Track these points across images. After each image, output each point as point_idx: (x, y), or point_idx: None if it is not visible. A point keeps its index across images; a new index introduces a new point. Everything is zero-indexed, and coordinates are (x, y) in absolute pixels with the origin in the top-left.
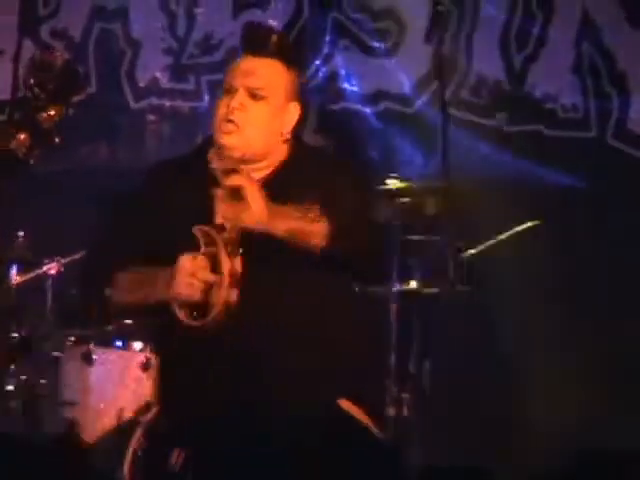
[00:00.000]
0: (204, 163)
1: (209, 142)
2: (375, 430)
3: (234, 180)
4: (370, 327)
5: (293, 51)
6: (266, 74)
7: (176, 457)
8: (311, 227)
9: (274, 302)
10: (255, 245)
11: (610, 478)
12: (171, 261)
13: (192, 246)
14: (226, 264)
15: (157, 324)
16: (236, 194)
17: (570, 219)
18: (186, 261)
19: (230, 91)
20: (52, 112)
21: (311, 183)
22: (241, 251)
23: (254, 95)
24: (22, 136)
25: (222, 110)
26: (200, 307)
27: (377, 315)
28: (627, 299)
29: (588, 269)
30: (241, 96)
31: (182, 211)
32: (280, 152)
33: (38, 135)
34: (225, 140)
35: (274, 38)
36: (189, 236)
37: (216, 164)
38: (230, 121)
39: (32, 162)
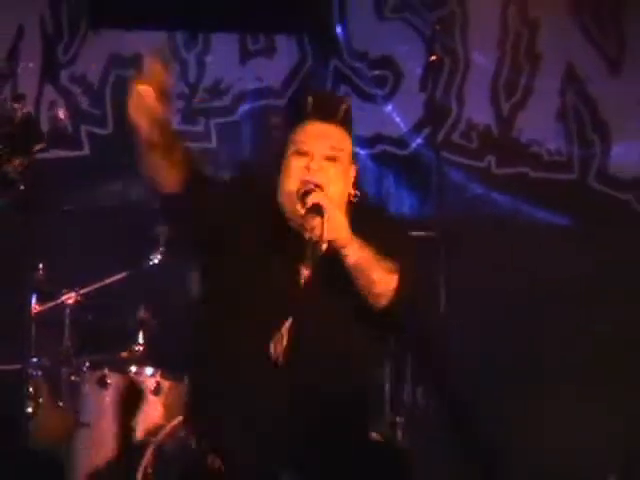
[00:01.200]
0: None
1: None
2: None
3: (314, 198)
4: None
5: (352, 120)
6: (338, 140)
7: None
8: (383, 272)
9: (325, 334)
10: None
11: None
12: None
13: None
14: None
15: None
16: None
17: (553, 254)
18: None
19: (306, 154)
20: (16, 162)
21: (377, 242)
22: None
23: (330, 158)
24: None
25: (299, 171)
26: None
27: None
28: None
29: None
30: (319, 160)
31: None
32: (347, 211)
33: (4, 184)
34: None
35: (344, 107)
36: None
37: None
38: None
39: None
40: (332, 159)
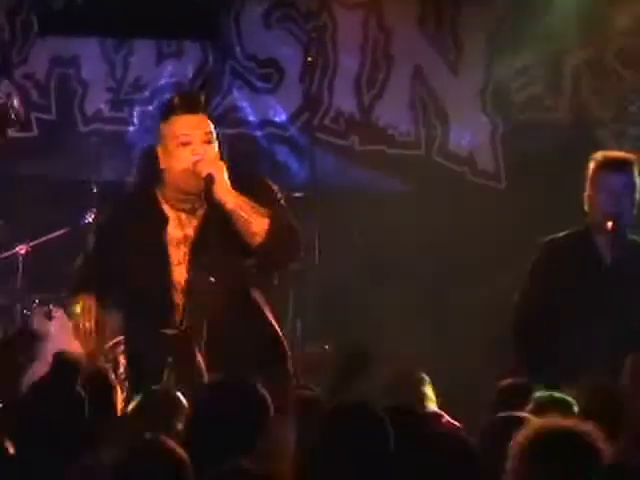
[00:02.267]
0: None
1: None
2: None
3: (205, 169)
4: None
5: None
6: (207, 125)
7: None
8: (255, 216)
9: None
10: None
11: None
12: None
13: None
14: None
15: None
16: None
17: (402, 215)
18: None
19: (189, 143)
20: None
21: (254, 196)
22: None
23: (206, 141)
24: None
25: (188, 154)
26: None
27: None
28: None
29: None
30: (199, 144)
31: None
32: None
33: None
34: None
35: (203, 99)
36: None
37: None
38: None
39: None
40: (208, 142)
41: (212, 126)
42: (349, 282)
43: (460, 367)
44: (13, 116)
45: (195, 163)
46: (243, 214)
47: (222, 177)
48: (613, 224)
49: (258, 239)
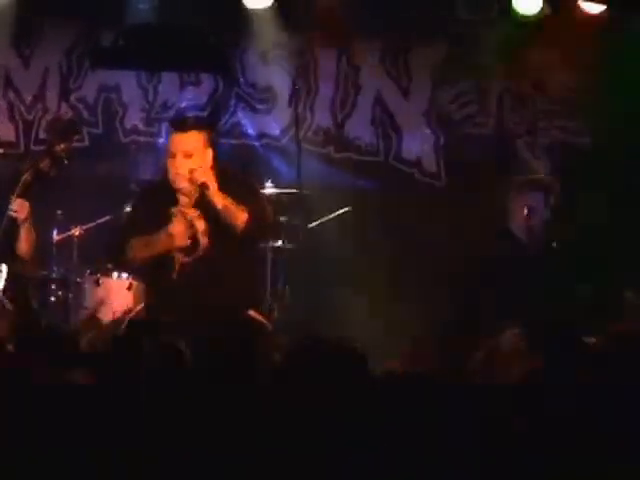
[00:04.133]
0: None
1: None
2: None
3: (200, 178)
4: (256, 271)
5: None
6: (192, 141)
7: None
8: (237, 212)
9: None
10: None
11: None
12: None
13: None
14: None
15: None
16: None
17: (365, 209)
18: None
19: (173, 156)
20: (62, 146)
21: (231, 192)
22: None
23: (188, 154)
24: (46, 160)
25: (171, 168)
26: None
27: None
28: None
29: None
30: (181, 156)
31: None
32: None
33: (55, 159)
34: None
35: (189, 120)
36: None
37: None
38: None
39: (52, 174)
40: (188, 156)
41: (200, 138)
42: (333, 254)
43: None
44: (77, 128)
45: (192, 171)
46: (228, 211)
47: (213, 183)
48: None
49: (240, 227)
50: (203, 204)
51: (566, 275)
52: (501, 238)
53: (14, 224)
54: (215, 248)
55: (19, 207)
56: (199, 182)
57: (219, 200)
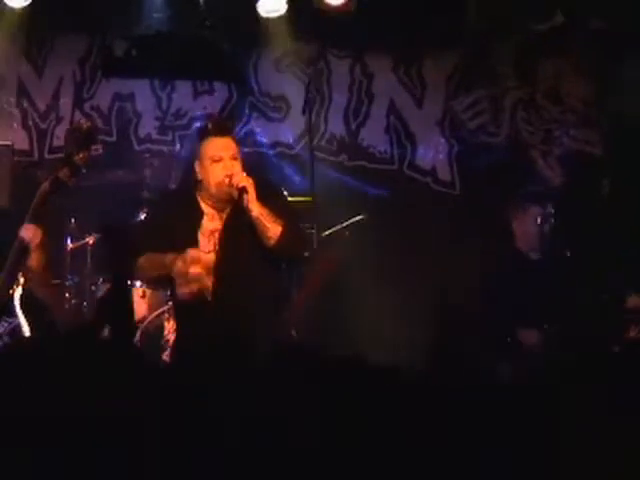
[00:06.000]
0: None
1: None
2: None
3: (240, 182)
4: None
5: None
6: (234, 147)
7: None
8: (271, 224)
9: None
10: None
11: None
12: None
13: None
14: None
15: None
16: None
17: (381, 214)
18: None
19: (221, 159)
20: (81, 155)
21: (272, 206)
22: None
23: (234, 157)
24: (65, 169)
25: (221, 170)
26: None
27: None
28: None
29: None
30: (229, 160)
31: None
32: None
33: (74, 168)
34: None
35: (229, 125)
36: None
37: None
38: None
39: (70, 184)
40: (235, 159)
41: (236, 146)
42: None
43: None
44: (96, 137)
45: (230, 176)
46: (263, 221)
47: (252, 190)
48: None
49: (272, 242)
50: (236, 212)
51: (581, 283)
52: (510, 255)
53: (26, 247)
54: (241, 263)
55: (32, 234)
56: (239, 186)
57: (255, 207)
